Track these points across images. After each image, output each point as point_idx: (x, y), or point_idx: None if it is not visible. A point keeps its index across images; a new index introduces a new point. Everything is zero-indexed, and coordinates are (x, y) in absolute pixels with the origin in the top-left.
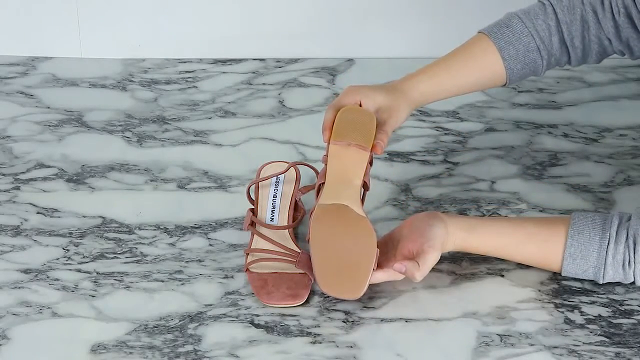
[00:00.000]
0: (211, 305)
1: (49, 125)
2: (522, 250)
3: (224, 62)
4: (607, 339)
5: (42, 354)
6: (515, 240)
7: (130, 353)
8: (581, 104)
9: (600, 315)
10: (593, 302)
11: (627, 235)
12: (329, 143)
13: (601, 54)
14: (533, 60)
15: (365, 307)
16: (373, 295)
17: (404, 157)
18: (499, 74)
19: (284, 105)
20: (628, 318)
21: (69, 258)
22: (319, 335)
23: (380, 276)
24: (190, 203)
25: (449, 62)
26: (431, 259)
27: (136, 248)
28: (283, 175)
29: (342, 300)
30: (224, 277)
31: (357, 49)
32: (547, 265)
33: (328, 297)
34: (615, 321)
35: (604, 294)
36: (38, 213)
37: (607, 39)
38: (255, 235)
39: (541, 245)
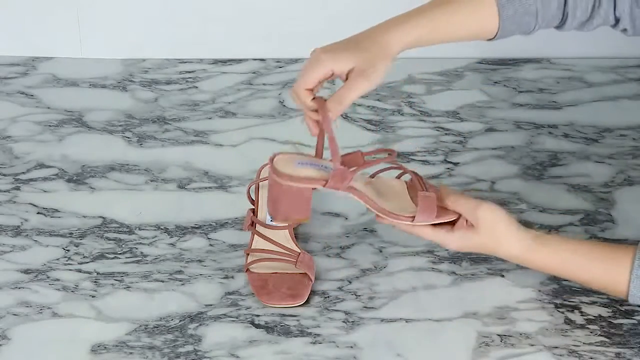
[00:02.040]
0: (211, 305)
1: (49, 126)
2: (589, 266)
3: (224, 62)
4: (607, 339)
5: (42, 354)
6: (580, 255)
7: (131, 353)
8: (581, 104)
9: (600, 316)
10: (593, 302)
11: None
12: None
13: (599, 26)
14: (527, 23)
15: (365, 307)
16: (373, 295)
17: (404, 157)
18: (490, 31)
19: (284, 106)
20: (628, 318)
21: (69, 258)
22: (319, 335)
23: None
24: (191, 203)
25: (447, 10)
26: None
27: (136, 248)
28: None
29: (343, 300)
30: (224, 277)
31: None
32: (612, 283)
33: (328, 297)
34: (615, 321)
35: (604, 294)
36: (38, 213)
37: (614, 18)
38: (256, 236)
39: (607, 262)
